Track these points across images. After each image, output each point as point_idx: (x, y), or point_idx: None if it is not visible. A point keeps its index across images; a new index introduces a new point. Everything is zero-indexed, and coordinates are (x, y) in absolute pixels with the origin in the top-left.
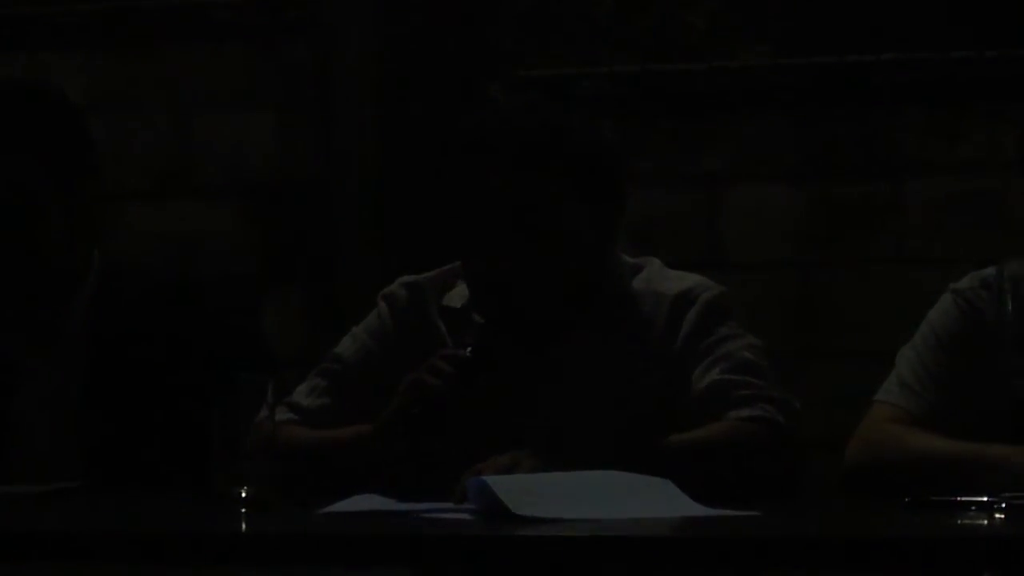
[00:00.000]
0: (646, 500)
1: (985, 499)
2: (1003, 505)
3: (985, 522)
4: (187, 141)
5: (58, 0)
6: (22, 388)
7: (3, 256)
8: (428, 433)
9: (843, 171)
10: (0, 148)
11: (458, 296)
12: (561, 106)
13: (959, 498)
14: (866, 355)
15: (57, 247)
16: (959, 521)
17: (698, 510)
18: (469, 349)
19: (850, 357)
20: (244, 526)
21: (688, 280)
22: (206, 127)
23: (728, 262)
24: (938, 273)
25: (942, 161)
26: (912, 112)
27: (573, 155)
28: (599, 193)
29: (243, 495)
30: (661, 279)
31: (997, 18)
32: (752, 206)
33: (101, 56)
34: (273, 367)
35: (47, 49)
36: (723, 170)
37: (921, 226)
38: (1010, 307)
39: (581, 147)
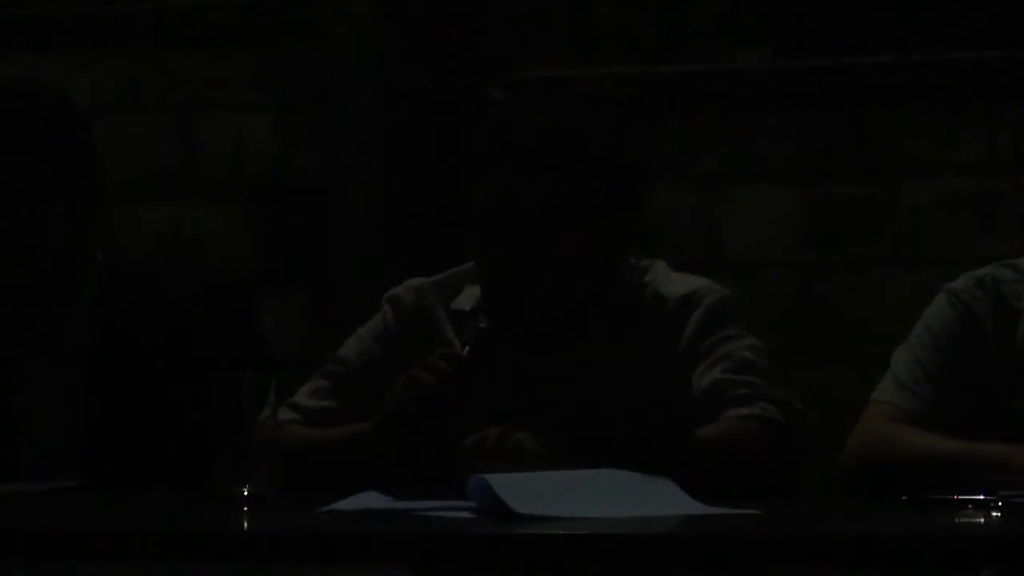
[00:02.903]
0: (646, 498)
1: (982, 497)
2: (999, 503)
3: (982, 520)
4: (189, 143)
5: (61, 2)
6: (24, 387)
7: (4, 257)
8: (424, 430)
9: (841, 172)
10: (1, 148)
11: (467, 299)
12: (584, 109)
13: (956, 496)
14: (863, 355)
15: (59, 247)
16: (956, 519)
17: (698, 508)
18: (467, 348)
19: (847, 357)
20: (246, 524)
21: (692, 283)
22: (208, 129)
23: (727, 262)
24: (934, 274)
25: (939, 162)
26: (909, 114)
27: (594, 158)
28: (619, 197)
29: (245, 494)
30: (665, 281)
31: (993, 21)
32: (751, 207)
33: (104, 58)
34: (275, 367)
35: (50, 51)
36: (722, 171)
37: (918, 227)
38: None
39: (603, 150)
